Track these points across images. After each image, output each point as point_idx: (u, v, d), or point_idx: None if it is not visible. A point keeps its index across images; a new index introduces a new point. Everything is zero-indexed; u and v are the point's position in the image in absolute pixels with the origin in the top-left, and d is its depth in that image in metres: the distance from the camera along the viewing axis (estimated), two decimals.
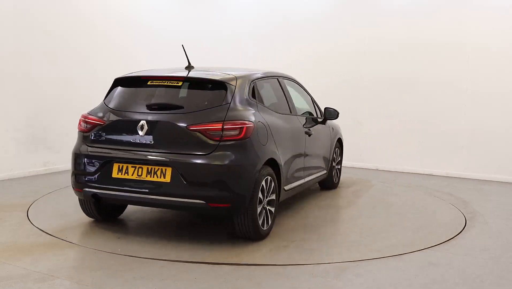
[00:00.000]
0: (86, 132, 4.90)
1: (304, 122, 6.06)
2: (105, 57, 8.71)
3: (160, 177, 4.49)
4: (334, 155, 7.11)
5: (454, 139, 8.46)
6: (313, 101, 6.71)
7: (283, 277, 3.96)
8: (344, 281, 3.94)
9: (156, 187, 4.51)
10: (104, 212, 5.29)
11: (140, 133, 4.59)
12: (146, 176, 4.53)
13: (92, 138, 4.85)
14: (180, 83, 4.89)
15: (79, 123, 5.01)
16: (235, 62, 8.99)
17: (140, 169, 4.57)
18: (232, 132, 4.48)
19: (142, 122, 4.60)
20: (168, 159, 4.49)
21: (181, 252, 4.49)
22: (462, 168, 8.41)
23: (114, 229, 5.17)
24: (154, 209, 5.85)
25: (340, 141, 7.39)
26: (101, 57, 8.65)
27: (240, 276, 3.96)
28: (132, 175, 4.59)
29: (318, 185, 7.29)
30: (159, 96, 4.92)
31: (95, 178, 4.75)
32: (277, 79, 5.87)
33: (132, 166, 4.60)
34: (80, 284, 3.73)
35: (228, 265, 4.18)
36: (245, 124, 4.56)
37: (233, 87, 4.77)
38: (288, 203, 6.34)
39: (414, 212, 6.16)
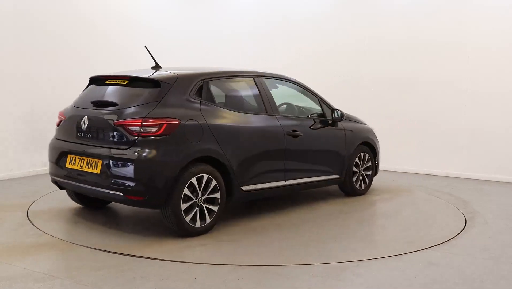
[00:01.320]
0: (57, 126, 5.52)
1: (294, 124, 5.90)
2: (105, 57, 8.71)
3: (94, 169, 4.86)
4: (357, 160, 6.73)
5: (454, 139, 8.46)
6: (322, 102, 6.44)
7: (283, 277, 3.96)
8: (344, 281, 3.95)
9: (91, 178, 4.89)
10: (85, 199, 5.79)
11: (83, 128, 5.02)
12: (85, 168, 4.95)
13: (58, 131, 5.46)
14: (126, 82, 5.19)
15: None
16: (235, 62, 8.98)
17: (82, 161, 5.00)
18: (151, 129, 4.67)
19: (85, 118, 5.05)
20: (98, 152, 4.85)
21: (182, 251, 4.50)
22: (462, 168, 8.41)
23: (114, 229, 5.18)
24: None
25: (369, 145, 6.95)
26: (101, 57, 8.65)
27: (240, 276, 3.96)
28: (77, 166, 5.04)
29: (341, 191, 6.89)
30: (107, 94, 5.29)
31: (56, 167, 5.32)
32: (253, 78, 5.79)
33: (78, 158, 5.04)
34: (80, 284, 3.73)
35: (228, 265, 4.18)
36: (167, 121, 4.73)
37: (169, 86, 4.97)
38: (279, 203, 6.34)
39: (414, 212, 6.16)
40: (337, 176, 6.51)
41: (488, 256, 4.55)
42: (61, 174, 5.26)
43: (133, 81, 5.17)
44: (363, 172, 6.86)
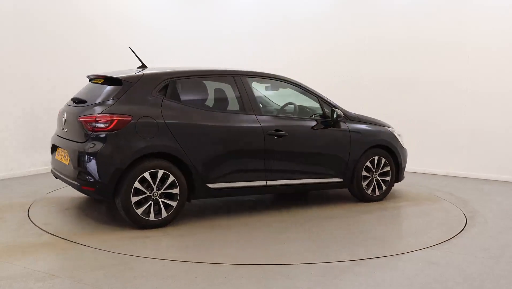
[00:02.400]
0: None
1: (278, 124, 5.76)
2: (105, 57, 8.71)
3: (66, 160, 5.33)
4: (369, 164, 6.32)
5: (454, 139, 8.46)
6: (322, 102, 6.16)
7: (283, 277, 3.96)
8: (344, 281, 3.95)
9: (65, 168, 5.37)
10: None
11: (63, 123, 5.55)
12: (63, 159, 5.43)
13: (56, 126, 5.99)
14: (102, 81, 5.56)
15: None
16: (235, 62, 8.98)
17: (62, 153, 5.47)
18: (103, 125, 4.98)
19: (65, 113, 5.54)
20: (67, 145, 5.33)
21: (182, 251, 4.50)
22: (462, 168, 8.41)
23: (114, 228, 5.18)
24: None
25: (387, 149, 6.48)
26: (101, 57, 8.65)
27: (240, 276, 3.96)
28: (59, 157, 5.55)
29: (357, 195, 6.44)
30: (86, 92, 5.65)
31: (52, 158, 5.87)
32: (233, 77, 5.76)
33: (61, 151, 5.51)
34: (81, 283, 3.73)
35: (229, 265, 4.18)
36: (119, 117, 4.99)
37: (130, 84, 5.24)
38: (282, 203, 6.34)
39: (414, 211, 6.16)
40: (340, 180, 6.22)
41: (488, 256, 4.56)
42: (53, 165, 5.84)
43: (107, 80, 5.48)
44: (378, 178, 6.43)
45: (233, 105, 5.77)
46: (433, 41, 8.55)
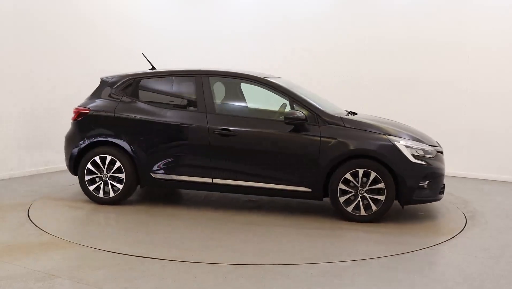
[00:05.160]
0: None
1: (228, 123, 5.65)
2: (105, 57, 8.71)
3: None
4: (351, 177, 5.40)
5: (454, 139, 8.46)
6: (295, 102, 5.66)
7: (283, 277, 3.96)
8: (344, 281, 3.95)
9: None
10: None
11: None
12: None
13: None
14: None
15: None
16: (235, 62, 8.98)
17: None
18: (73, 115, 6.19)
19: None
20: None
21: (182, 251, 4.50)
22: (462, 168, 8.42)
23: (114, 228, 5.18)
24: (156, 207, 5.89)
25: (384, 164, 5.37)
26: (101, 57, 8.65)
27: (240, 276, 3.96)
28: None
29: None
30: None
31: None
32: (194, 77, 6.01)
33: None
34: (81, 283, 3.73)
35: (229, 265, 4.18)
36: (81, 110, 6.12)
37: (105, 83, 6.25)
38: (284, 202, 6.34)
39: (414, 211, 6.16)
40: (307, 190, 5.56)
41: (488, 256, 4.56)
42: None
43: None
44: (366, 195, 5.42)
45: (188, 103, 6.11)
46: (433, 41, 8.55)
